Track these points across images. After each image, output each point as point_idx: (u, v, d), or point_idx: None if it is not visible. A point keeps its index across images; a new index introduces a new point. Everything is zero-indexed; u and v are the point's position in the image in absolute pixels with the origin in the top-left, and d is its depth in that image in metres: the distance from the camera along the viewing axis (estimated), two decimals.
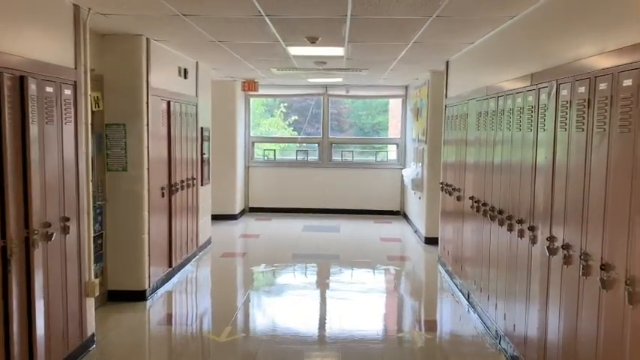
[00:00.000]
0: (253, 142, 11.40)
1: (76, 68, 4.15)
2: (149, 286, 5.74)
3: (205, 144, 7.88)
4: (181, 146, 6.72)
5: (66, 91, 3.95)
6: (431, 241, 8.35)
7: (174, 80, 6.51)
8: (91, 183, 4.38)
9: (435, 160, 8.22)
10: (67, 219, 3.97)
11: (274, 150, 11.43)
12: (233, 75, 9.33)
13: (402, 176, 10.44)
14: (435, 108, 8.19)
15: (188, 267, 7.04)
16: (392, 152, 11.43)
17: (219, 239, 8.67)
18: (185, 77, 6.88)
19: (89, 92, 4.34)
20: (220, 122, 10.08)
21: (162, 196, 6.08)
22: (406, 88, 10.97)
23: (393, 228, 9.97)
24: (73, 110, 4.06)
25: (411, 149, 10.07)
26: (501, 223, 4.51)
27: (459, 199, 6.12)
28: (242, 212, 11.01)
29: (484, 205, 5.03)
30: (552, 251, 3.45)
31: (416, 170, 9.02)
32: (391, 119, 13.06)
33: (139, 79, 5.51)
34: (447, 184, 6.80)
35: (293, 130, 12.62)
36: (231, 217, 10.40)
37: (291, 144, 11.79)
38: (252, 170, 11.31)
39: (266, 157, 11.41)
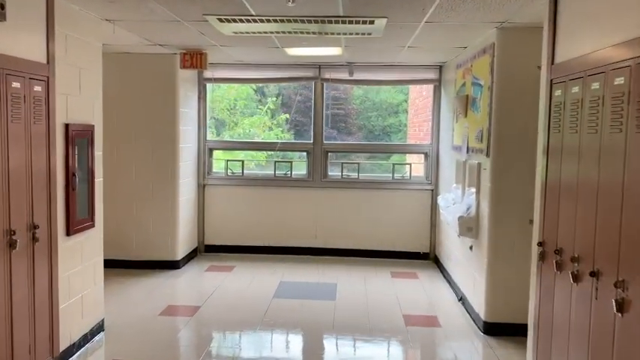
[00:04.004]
0: (211, 149, 7.71)
1: None
2: None
3: (81, 152, 4.23)
4: None
5: None
6: (496, 330, 4.68)
7: None
8: None
9: (507, 185, 4.59)
10: None
11: (242, 161, 7.73)
12: (157, 39, 5.65)
13: (438, 205, 6.74)
14: (508, 91, 4.58)
15: None
16: (417, 166, 7.71)
17: (123, 319, 5.01)
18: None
19: None
20: (147, 119, 6.52)
21: None
22: (440, 68, 7.28)
23: (421, 288, 6.25)
24: None
25: (452, 163, 6.34)
26: None
27: (621, 307, 2.42)
28: (193, 253, 7.34)
29: None
30: None
31: (466, 201, 5.27)
32: (412, 117, 9.36)
33: None
34: (564, 255, 3.07)
35: (282, 132, 8.98)
36: (170, 266, 6.74)
37: (278, 152, 8.02)
38: (210, 191, 7.63)
39: (230, 172, 7.72)
